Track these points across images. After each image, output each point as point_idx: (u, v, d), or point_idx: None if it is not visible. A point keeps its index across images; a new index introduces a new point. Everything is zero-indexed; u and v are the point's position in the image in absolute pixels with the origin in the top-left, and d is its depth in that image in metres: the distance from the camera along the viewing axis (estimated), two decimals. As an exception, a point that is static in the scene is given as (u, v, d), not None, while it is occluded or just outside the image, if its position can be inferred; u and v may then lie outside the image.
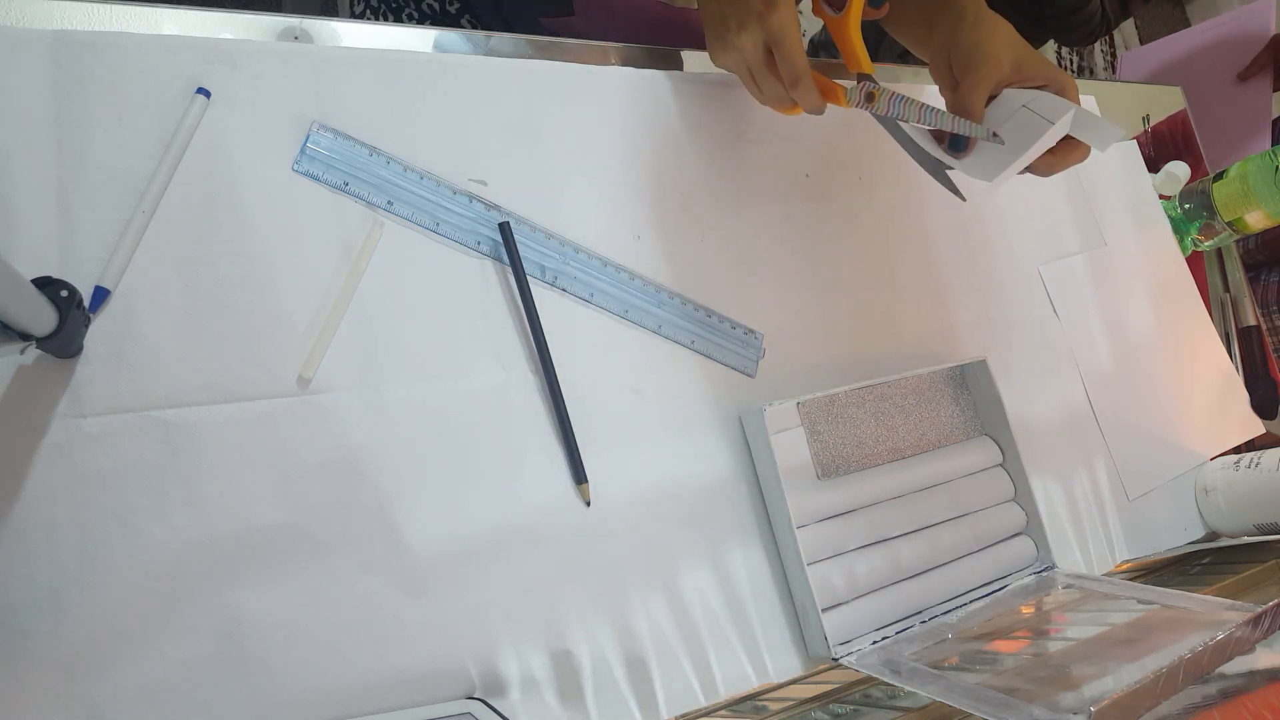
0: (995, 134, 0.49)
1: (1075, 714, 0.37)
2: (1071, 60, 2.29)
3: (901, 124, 0.51)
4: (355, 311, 0.45)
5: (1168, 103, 0.92)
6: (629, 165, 0.55)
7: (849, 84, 0.50)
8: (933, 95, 0.56)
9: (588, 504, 0.48)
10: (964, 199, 0.54)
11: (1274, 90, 1.17)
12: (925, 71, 0.63)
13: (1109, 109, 0.84)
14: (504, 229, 0.49)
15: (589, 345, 0.51)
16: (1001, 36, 0.51)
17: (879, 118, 0.51)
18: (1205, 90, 1.04)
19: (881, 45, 1.12)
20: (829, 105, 0.51)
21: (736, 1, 0.49)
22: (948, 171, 0.53)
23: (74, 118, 0.41)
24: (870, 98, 0.48)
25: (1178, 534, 0.70)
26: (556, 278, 0.51)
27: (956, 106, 0.50)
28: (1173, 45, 1.27)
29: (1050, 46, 2.20)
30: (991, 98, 0.51)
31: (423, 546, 0.43)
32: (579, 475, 0.48)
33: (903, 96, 0.48)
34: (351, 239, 0.46)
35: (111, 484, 0.39)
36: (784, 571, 0.52)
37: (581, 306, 0.51)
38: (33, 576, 0.37)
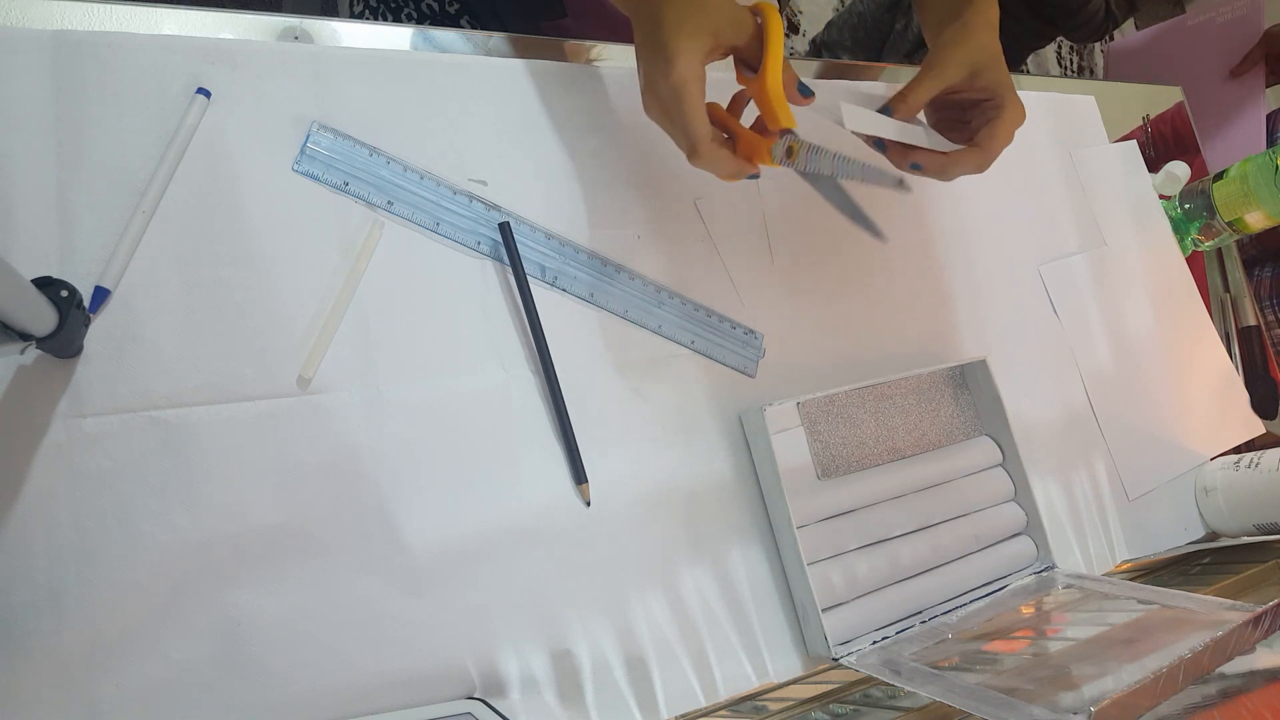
0: (901, 182, 0.51)
1: (1075, 714, 0.37)
2: (1072, 60, 2.29)
3: (819, 174, 0.51)
4: (355, 311, 0.45)
5: (1167, 102, 0.92)
6: (629, 165, 0.55)
7: (778, 142, 0.47)
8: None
9: (588, 504, 0.48)
10: (885, 239, 0.60)
11: (1267, 86, 1.16)
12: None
13: (1108, 108, 0.84)
14: (504, 229, 0.49)
15: (589, 345, 0.51)
16: (973, 45, 0.50)
17: (801, 173, 0.50)
18: (1195, 83, 1.04)
19: (886, 45, 1.13)
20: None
21: (647, 55, 0.44)
22: (866, 215, 0.57)
23: (74, 118, 0.41)
24: (790, 152, 0.47)
25: (1178, 534, 0.70)
26: (556, 278, 0.51)
27: (903, 91, 0.50)
28: (1162, 37, 1.26)
29: (1051, 47, 2.21)
30: (965, 103, 0.52)
31: (423, 546, 0.43)
32: (579, 475, 0.48)
33: (817, 148, 0.48)
34: (351, 239, 0.46)
35: (111, 484, 0.39)
36: (784, 571, 0.52)
37: (581, 306, 0.51)
38: (33, 576, 0.37)
